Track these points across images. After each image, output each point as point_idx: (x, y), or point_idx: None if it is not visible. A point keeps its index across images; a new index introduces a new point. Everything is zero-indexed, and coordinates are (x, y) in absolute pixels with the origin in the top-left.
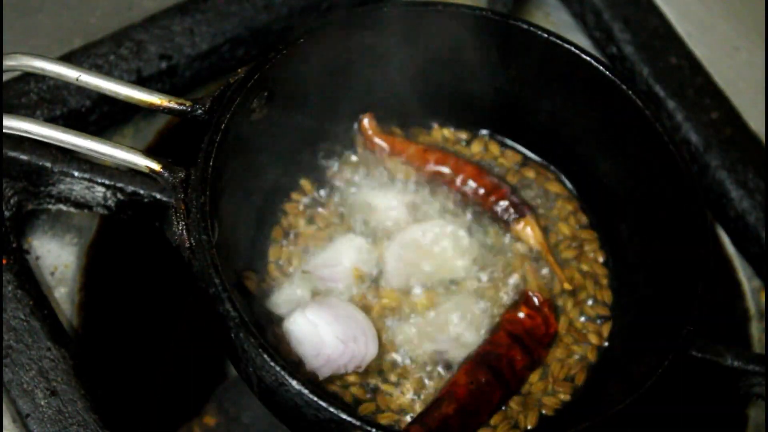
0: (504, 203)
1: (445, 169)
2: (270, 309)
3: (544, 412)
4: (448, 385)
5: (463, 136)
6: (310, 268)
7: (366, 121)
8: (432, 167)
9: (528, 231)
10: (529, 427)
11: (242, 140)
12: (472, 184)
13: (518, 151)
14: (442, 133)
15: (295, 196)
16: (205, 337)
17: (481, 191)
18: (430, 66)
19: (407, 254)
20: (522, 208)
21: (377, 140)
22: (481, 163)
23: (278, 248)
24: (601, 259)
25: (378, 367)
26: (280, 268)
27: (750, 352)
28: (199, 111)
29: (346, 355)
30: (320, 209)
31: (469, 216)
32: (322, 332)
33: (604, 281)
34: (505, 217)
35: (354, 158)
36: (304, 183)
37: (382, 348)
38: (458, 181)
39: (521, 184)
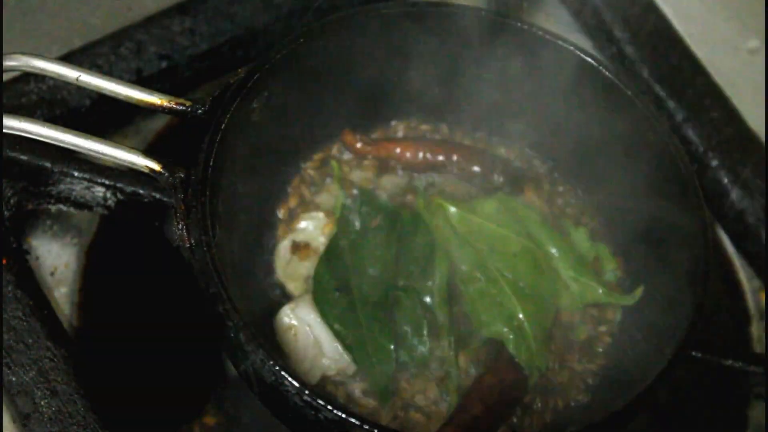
0: (500, 178)
1: (440, 157)
2: (269, 305)
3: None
4: (474, 385)
5: (464, 136)
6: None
7: (347, 138)
8: (423, 157)
9: (533, 198)
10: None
11: (242, 140)
12: (466, 165)
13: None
14: (444, 131)
15: (295, 194)
16: (205, 337)
17: (476, 169)
18: (429, 66)
19: None
20: (522, 180)
21: (362, 149)
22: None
23: (279, 246)
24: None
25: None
26: (281, 266)
27: (750, 352)
28: (199, 111)
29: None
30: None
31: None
32: (316, 331)
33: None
34: (506, 189)
35: (351, 157)
36: (304, 182)
37: None
38: (452, 164)
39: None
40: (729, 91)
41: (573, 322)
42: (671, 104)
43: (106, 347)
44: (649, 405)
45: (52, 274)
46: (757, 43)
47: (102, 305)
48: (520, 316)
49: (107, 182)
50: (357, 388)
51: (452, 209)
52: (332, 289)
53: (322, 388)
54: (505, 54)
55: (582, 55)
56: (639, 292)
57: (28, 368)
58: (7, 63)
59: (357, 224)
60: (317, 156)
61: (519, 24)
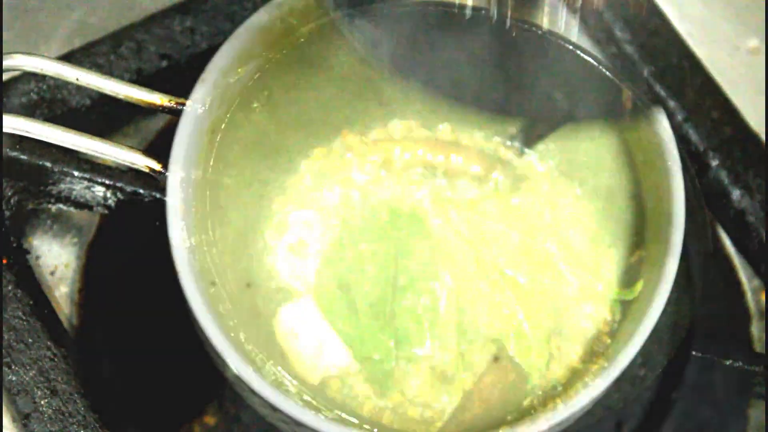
0: (500, 177)
1: (440, 157)
2: (269, 305)
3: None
4: (474, 385)
5: (463, 136)
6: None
7: (347, 138)
8: (423, 158)
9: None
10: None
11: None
12: (466, 165)
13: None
14: (444, 131)
15: (294, 193)
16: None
17: (476, 169)
18: (429, 66)
19: None
20: (521, 180)
21: (362, 149)
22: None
23: (278, 245)
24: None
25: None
26: (281, 265)
27: (750, 352)
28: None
29: (339, 354)
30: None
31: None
32: (316, 331)
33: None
34: (505, 189)
35: (351, 157)
36: (303, 181)
37: None
38: (452, 164)
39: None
40: (729, 91)
41: (573, 322)
42: (671, 104)
43: (106, 347)
44: (649, 404)
45: (52, 273)
46: (757, 42)
47: (102, 305)
48: (520, 316)
49: (107, 182)
50: (358, 388)
51: (452, 209)
52: (333, 288)
53: (323, 387)
54: (505, 54)
55: (582, 55)
56: (639, 286)
57: (28, 367)
58: (7, 63)
59: (358, 223)
60: (316, 155)
61: (519, 24)
